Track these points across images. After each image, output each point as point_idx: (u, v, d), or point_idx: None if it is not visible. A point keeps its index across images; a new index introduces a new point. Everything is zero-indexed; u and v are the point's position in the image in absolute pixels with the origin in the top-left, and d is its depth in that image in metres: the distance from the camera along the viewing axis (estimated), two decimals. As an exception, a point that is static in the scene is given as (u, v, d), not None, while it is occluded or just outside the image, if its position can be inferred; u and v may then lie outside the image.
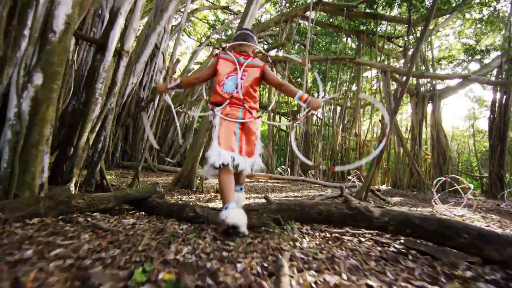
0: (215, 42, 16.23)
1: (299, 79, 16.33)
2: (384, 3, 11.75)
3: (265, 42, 16.16)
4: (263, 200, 3.05)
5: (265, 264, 0.99)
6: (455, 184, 6.62)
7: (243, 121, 1.89)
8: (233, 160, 1.71)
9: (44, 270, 0.81)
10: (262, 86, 14.54)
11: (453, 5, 11.60)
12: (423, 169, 11.91)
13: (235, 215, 1.43)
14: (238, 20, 9.79)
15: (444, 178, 5.82)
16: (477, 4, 12.24)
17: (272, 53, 11.63)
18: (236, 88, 1.92)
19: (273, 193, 4.93)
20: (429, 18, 5.68)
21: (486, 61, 12.26)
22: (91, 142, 3.11)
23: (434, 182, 5.88)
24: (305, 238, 1.46)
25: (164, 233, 1.34)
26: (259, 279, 0.86)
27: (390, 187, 11.24)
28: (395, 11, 14.52)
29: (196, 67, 14.77)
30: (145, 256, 0.97)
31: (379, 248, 1.43)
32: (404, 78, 12.00)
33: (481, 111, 25.30)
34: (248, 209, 1.66)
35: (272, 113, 14.30)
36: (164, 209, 1.86)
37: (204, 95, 2.40)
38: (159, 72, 10.71)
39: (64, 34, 2.13)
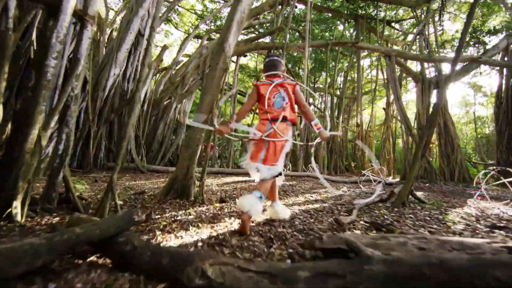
0: (204, 33, 15.15)
1: (296, 68, 15.44)
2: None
3: (255, 33, 15.18)
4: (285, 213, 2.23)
5: None
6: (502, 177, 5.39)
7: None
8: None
9: None
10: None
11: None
12: (430, 159, 11.30)
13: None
14: (228, 9, 8.86)
15: (492, 171, 4.98)
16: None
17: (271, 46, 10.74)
18: (284, 100, 2.22)
19: (284, 196, 4.12)
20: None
21: (493, 42, 11.65)
22: (44, 142, 2.21)
23: (480, 175, 5.09)
24: None
25: None
26: None
27: (397, 179, 10.60)
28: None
29: (185, 59, 13.66)
30: None
31: None
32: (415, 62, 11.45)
33: (477, 97, 25.10)
34: (321, 271, 0.81)
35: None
36: (145, 261, 1.02)
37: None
38: (144, 64, 9.67)
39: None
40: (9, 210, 1.97)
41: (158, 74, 10.70)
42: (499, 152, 11.75)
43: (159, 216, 2.28)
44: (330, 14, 15.09)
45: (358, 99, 13.13)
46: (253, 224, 2.13)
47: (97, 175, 6.65)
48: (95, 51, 9.02)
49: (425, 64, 11.79)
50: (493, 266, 0.69)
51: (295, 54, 15.42)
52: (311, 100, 15.54)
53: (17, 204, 2.04)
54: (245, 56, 12.09)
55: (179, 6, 17.49)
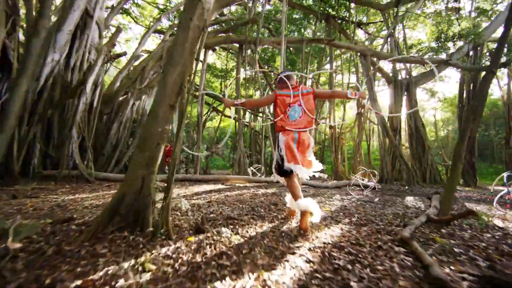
0: (167, 29, 13.68)
1: (267, 67, 14.69)
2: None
3: (222, 25, 14.16)
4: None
5: None
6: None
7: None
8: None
9: None
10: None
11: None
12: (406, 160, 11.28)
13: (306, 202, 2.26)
14: None
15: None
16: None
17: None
18: (298, 113, 2.56)
19: (269, 212, 3.18)
20: None
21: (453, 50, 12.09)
22: None
23: (505, 176, 4.55)
24: None
25: None
26: None
27: (374, 183, 10.31)
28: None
29: (145, 55, 12.03)
30: None
31: None
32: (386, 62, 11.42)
33: (430, 102, 26.93)
34: None
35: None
36: None
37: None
38: (94, 49, 8.11)
39: None
40: None
41: (109, 63, 9.09)
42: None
43: (90, 267, 1.17)
44: (301, 16, 14.72)
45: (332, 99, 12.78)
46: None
47: (24, 187, 5.09)
48: (30, 31, 7.25)
49: (397, 66, 11.87)
50: None
51: (266, 52, 14.71)
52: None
53: None
54: (213, 50, 11.00)
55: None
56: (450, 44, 11.83)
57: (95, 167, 8.15)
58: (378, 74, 12.66)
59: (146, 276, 1.20)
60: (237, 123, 11.57)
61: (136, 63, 10.33)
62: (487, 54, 11.87)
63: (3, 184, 5.06)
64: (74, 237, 1.71)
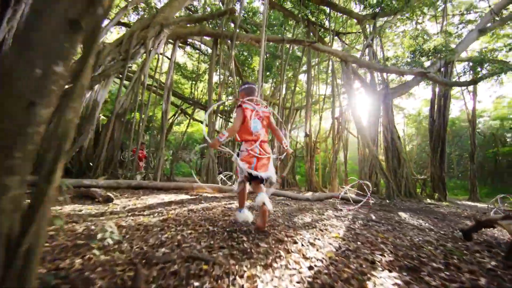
0: (133, 24, 12.17)
1: (244, 68, 13.78)
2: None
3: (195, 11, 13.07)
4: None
5: None
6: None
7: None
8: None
9: None
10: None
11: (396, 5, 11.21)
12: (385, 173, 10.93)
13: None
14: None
15: None
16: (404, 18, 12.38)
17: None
18: (259, 126, 2.68)
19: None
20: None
21: (428, 63, 12.33)
22: None
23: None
24: None
25: None
26: None
27: (369, 196, 9.73)
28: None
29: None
30: None
31: None
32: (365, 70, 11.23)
33: (397, 118, 28.08)
34: None
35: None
36: None
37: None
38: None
39: None
40: None
41: None
42: (433, 167, 12.26)
43: None
44: (281, 19, 14.18)
45: (307, 107, 12.19)
46: None
47: None
48: None
49: (375, 75, 11.70)
50: None
51: (241, 51, 13.83)
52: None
53: None
54: (186, 43, 9.82)
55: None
56: (423, 59, 12.02)
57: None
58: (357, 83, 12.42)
59: None
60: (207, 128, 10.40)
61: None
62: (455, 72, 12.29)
63: None
64: None
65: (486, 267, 1.73)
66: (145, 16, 11.09)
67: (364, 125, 9.28)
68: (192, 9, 11.25)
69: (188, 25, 9.03)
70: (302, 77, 19.18)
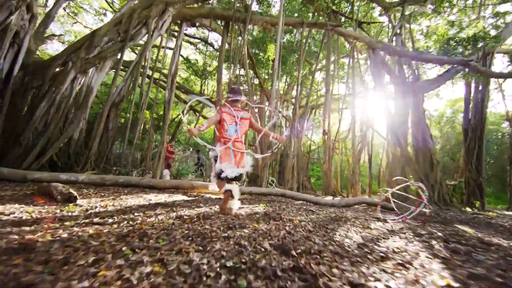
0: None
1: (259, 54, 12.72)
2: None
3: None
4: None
5: None
6: None
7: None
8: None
9: None
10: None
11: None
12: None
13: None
14: None
15: None
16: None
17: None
18: (236, 131, 2.97)
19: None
20: None
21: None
22: None
23: None
24: None
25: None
26: None
27: (425, 202, 8.48)
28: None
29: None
30: None
31: None
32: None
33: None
34: None
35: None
36: None
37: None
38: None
39: None
40: None
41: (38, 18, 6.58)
42: (468, 171, 10.83)
43: None
44: (297, 7, 13.06)
45: (326, 103, 10.99)
46: None
47: None
48: None
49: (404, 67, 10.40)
50: None
51: (255, 35, 12.76)
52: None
53: None
54: (194, 25, 8.88)
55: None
56: (460, 49, 10.64)
57: (4, 159, 5.66)
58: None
59: None
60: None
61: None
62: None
63: None
64: None
65: None
66: None
67: (395, 122, 8.04)
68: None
69: (196, 5, 8.08)
70: (318, 76, 17.97)
